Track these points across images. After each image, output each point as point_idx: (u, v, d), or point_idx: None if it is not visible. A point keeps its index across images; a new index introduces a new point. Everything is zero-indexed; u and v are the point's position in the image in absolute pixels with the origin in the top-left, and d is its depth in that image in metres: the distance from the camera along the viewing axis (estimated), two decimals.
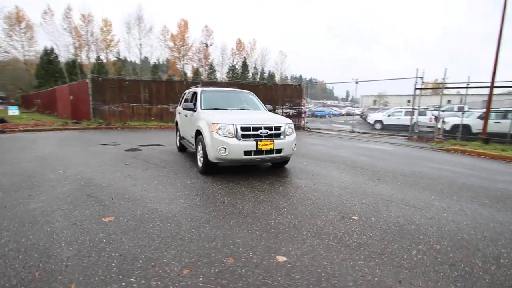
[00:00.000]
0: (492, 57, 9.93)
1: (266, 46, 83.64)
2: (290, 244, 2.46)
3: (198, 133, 4.90)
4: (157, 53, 57.02)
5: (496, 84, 10.05)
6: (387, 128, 17.50)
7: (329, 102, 66.00)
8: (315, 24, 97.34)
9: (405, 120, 17.45)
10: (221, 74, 50.06)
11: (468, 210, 3.45)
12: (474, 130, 11.85)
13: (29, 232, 2.55)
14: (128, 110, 15.25)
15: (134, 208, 3.20)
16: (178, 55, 50.76)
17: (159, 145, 8.23)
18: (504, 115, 11.54)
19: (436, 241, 2.60)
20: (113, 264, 2.07)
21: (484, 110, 12.18)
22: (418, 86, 12.34)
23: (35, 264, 2.05)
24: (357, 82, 14.40)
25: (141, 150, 7.33)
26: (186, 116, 5.96)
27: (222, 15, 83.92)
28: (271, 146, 4.45)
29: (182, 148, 7.06)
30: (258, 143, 4.33)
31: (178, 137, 7.17)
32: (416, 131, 12.41)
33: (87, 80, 14.34)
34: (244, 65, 55.82)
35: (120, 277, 1.92)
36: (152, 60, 50.50)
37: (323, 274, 2.01)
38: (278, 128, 4.60)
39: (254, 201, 3.52)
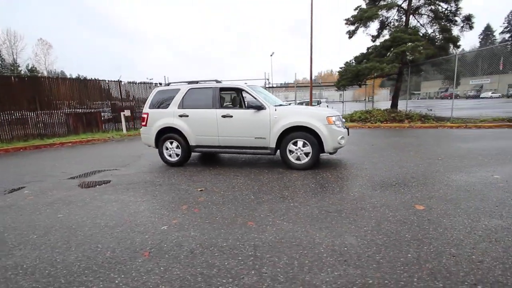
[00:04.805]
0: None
1: (15, 30, 55.84)
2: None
3: (289, 130, 4.71)
4: None
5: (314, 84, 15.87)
6: None
7: None
8: (67, 16, 79.00)
9: None
10: None
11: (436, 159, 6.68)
12: None
13: None
14: None
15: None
16: None
17: (112, 169, 5.50)
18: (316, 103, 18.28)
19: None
20: None
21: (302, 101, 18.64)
22: (268, 85, 16.28)
23: None
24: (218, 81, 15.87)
25: (110, 181, 4.77)
26: (227, 116, 4.99)
27: None
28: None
29: (182, 162, 5.48)
30: (348, 130, 5.18)
31: (178, 149, 5.43)
32: None
33: None
34: None
35: None
36: None
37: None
38: None
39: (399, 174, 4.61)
